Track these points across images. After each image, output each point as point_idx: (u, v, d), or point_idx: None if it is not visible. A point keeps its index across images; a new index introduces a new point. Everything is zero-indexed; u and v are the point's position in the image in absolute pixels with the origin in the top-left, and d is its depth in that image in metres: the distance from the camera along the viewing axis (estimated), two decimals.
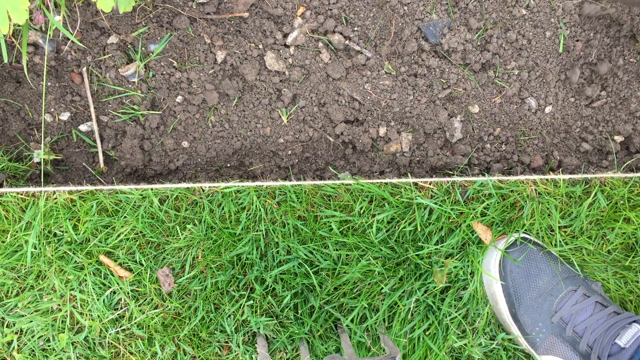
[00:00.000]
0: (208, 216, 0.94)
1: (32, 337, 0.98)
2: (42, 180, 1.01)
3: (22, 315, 0.97)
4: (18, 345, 0.98)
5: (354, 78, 1.02)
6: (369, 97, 1.03)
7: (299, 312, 0.96)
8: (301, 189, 0.94)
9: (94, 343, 0.98)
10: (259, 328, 0.96)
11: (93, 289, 0.96)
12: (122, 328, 0.97)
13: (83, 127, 1.04)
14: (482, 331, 0.96)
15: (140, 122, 1.03)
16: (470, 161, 1.04)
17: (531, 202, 0.93)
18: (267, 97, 1.02)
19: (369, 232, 0.93)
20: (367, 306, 0.95)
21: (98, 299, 0.96)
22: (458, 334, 0.95)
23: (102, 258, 0.96)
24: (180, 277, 0.97)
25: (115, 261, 0.97)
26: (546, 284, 0.92)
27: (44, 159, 1.01)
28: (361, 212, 0.94)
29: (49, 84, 1.01)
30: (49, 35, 0.96)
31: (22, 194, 0.94)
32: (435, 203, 0.93)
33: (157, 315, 0.97)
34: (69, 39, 0.97)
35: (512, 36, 1.00)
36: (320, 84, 1.02)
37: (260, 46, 1.00)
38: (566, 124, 1.06)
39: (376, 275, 0.95)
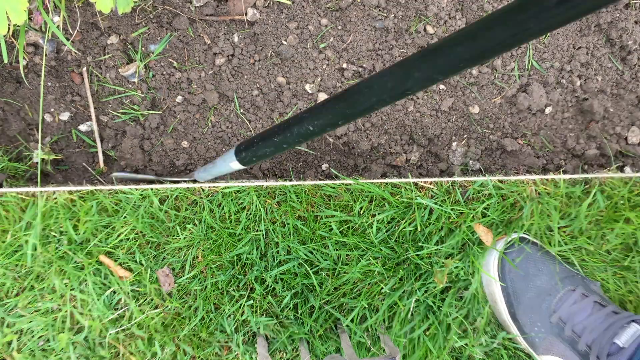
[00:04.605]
0: (208, 216, 0.94)
1: (32, 337, 0.98)
2: (39, 180, 1.01)
3: (22, 315, 0.97)
4: (18, 345, 0.98)
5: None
6: None
7: (299, 312, 0.96)
8: (301, 189, 0.94)
9: (94, 343, 0.98)
10: (259, 328, 0.96)
11: (93, 289, 0.96)
12: (122, 328, 0.97)
13: (83, 127, 1.04)
14: (482, 331, 0.96)
15: (140, 122, 1.03)
16: (470, 162, 1.04)
17: (531, 203, 0.93)
18: (268, 97, 1.03)
19: (369, 232, 0.93)
20: (367, 306, 0.95)
21: (98, 299, 0.96)
22: (459, 334, 0.95)
23: (102, 258, 0.96)
24: (180, 277, 0.97)
25: (115, 261, 0.97)
26: (545, 284, 0.92)
27: (43, 159, 1.01)
28: (361, 212, 0.94)
29: (49, 84, 1.01)
30: (48, 35, 0.96)
31: (22, 194, 0.94)
32: (435, 203, 0.93)
33: (157, 315, 0.97)
34: (69, 39, 0.97)
35: None
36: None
37: (261, 47, 1.01)
38: (566, 125, 1.06)
39: (376, 275, 0.95)
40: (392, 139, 1.05)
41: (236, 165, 0.73)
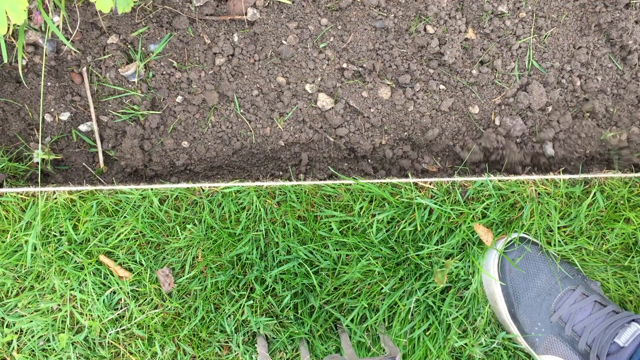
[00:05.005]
0: (208, 216, 0.94)
1: (32, 337, 0.98)
2: (39, 180, 1.01)
3: (22, 315, 0.97)
4: (18, 345, 0.99)
5: (353, 88, 1.02)
6: (365, 105, 1.03)
7: (299, 312, 0.96)
8: (301, 189, 0.94)
9: (94, 343, 0.98)
10: (259, 328, 0.96)
11: (93, 289, 0.96)
12: (122, 328, 0.97)
13: (83, 127, 1.04)
14: (482, 330, 0.96)
15: (140, 122, 1.03)
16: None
17: (530, 203, 0.93)
18: (268, 97, 1.03)
19: (369, 232, 0.94)
20: (367, 306, 0.95)
21: (98, 299, 0.96)
22: (459, 334, 0.95)
23: (102, 258, 0.96)
24: (180, 277, 0.97)
25: (115, 261, 0.97)
26: (545, 284, 0.92)
27: (43, 159, 1.01)
28: (361, 212, 0.94)
29: (49, 84, 1.01)
30: (48, 35, 0.96)
31: (22, 194, 0.94)
32: (435, 203, 0.93)
33: (157, 315, 0.97)
34: (69, 38, 0.97)
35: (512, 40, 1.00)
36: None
37: (260, 48, 1.01)
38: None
39: (376, 275, 0.95)
40: (392, 139, 1.05)
41: None
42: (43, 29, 0.96)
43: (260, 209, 0.94)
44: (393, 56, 1.01)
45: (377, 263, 0.93)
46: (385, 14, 1.00)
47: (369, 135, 1.04)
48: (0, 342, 0.97)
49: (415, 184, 0.94)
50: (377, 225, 0.94)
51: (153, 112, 1.02)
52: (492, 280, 0.94)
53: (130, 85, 1.01)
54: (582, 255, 0.97)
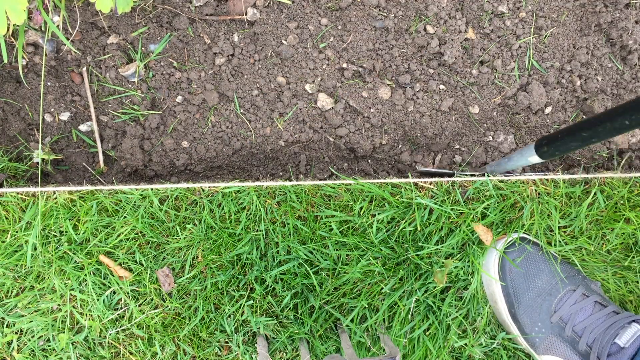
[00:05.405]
0: (208, 216, 0.94)
1: (32, 337, 0.98)
2: (39, 179, 1.01)
3: (22, 315, 0.97)
4: (18, 345, 0.98)
5: (353, 88, 1.02)
6: (365, 105, 1.03)
7: (299, 312, 0.96)
8: (301, 189, 0.94)
9: (94, 343, 0.98)
10: (259, 328, 0.96)
11: (93, 289, 0.96)
12: (122, 328, 0.97)
13: (83, 127, 1.04)
14: (482, 331, 0.96)
15: (140, 122, 1.03)
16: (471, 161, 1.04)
17: (531, 203, 0.93)
18: (268, 97, 1.02)
19: (369, 232, 0.93)
20: (367, 306, 0.95)
21: (98, 299, 0.96)
22: (459, 334, 0.95)
23: (102, 258, 0.96)
24: (180, 277, 0.97)
25: (115, 261, 0.97)
26: (545, 284, 0.92)
27: (43, 159, 1.01)
28: (361, 212, 0.94)
29: (49, 83, 1.01)
30: (48, 35, 0.96)
31: (22, 194, 0.94)
32: (435, 203, 0.93)
33: (157, 315, 0.97)
34: (69, 38, 0.97)
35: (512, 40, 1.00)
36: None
37: (260, 48, 1.00)
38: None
39: (376, 275, 0.95)
40: (392, 139, 1.05)
41: (534, 159, 0.77)
42: (43, 29, 0.96)
43: (260, 209, 0.94)
44: (393, 56, 1.01)
45: (377, 263, 0.93)
46: (385, 14, 1.00)
47: (369, 135, 1.04)
48: (0, 342, 0.97)
49: (415, 184, 0.94)
50: (377, 225, 0.93)
51: (153, 112, 1.02)
52: (492, 280, 0.94)
53: (130, 85, 1.01)
54: (583, 255, 0.97)
